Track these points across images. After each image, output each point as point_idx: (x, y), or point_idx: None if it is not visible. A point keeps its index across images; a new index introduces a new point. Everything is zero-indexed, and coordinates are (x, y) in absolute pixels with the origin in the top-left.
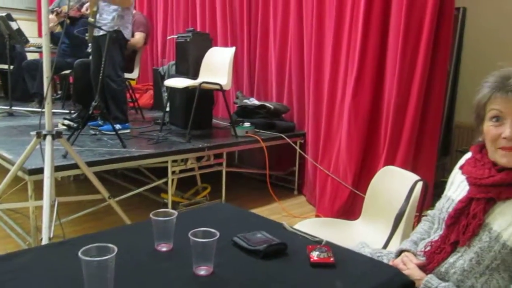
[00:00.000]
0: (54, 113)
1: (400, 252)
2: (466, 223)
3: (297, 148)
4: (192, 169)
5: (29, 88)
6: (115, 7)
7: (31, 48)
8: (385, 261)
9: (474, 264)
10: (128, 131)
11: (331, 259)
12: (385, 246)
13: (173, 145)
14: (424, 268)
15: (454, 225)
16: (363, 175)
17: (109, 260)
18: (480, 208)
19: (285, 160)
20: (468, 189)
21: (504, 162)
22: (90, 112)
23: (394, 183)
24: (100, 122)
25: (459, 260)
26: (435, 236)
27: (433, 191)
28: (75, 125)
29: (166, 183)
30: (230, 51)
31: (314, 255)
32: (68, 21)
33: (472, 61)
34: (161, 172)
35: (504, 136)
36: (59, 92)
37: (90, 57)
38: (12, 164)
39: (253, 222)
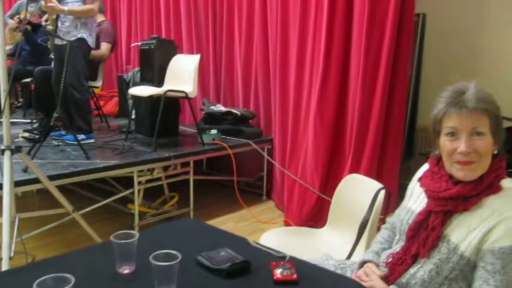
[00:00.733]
0: (14, 123)
1: (362, 263)
2: (425, 235)
3: (265, 154)
4: (159, 179)
5: None
6: None
7: None
8: (348, 272)
9: (433, 275)
10: (92, 141)
11: (294, 275)
12: (349, 256)
13: (139, 155)
14: (386, 279)
15: (414, 237)
16: (330, 179)
17: None
18: (439, 221)
19: (254, 165)
20: (426, 201)
21: (460, 176)
22: (52, 123)
23: (357, 191)
24: (63, 132)
25: (420, 271)
26: (397, 247)
27: (397, 193)
28: (36, 136)
29: (132, 193)
30: (195, 58)
31: (278, 273)
32: (29, 27)
33: (433, 64)
34: (127, 181)
35: (459, 151)
36: (20, 100)
37: (52, 64)
38: None
39: (218, 238)
